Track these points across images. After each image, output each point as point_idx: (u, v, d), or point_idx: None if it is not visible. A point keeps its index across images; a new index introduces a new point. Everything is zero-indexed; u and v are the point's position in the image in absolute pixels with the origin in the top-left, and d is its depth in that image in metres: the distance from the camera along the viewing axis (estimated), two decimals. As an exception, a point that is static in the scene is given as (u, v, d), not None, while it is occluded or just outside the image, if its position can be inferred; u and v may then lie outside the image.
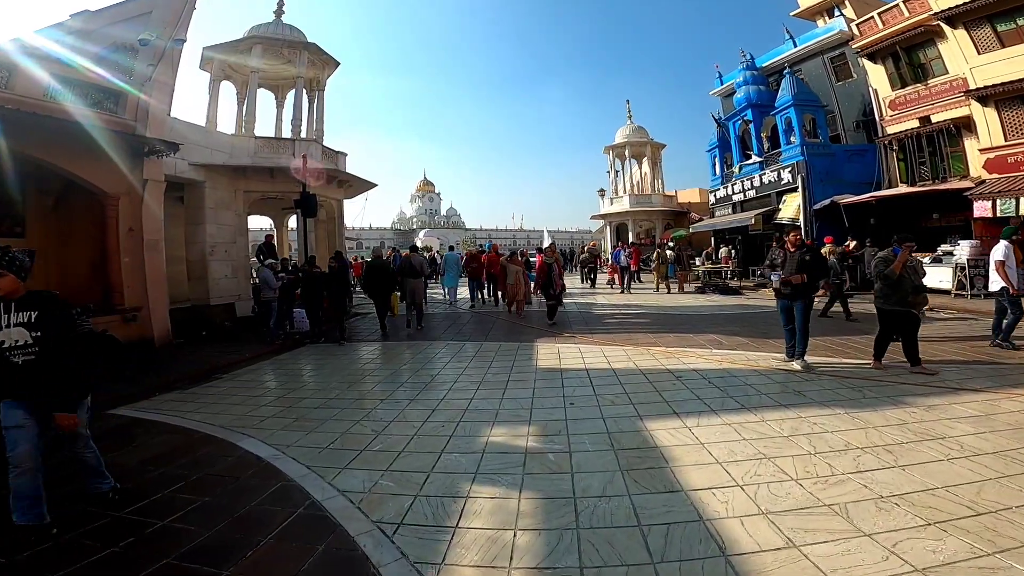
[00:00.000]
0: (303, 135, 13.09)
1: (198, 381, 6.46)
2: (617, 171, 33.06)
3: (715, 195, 22.52)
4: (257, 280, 9.67)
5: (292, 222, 16.66)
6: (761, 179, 18.80)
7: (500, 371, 6.08)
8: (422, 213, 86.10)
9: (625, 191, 32.03)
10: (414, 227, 75.52)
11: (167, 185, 10.49)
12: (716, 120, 23.73)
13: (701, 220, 24.70)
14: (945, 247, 13.00)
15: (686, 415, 4.27)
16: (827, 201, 15.66)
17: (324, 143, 13.75)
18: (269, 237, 12.49)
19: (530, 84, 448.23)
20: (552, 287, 9.64)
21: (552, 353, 7.00)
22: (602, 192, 46.96)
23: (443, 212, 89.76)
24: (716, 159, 23.19)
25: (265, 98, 15.40)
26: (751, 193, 19.42)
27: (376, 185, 15.28)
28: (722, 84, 23.71)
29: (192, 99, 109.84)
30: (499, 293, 12.76)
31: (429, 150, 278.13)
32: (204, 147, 10.54)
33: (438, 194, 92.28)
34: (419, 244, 21.84)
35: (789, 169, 17.09)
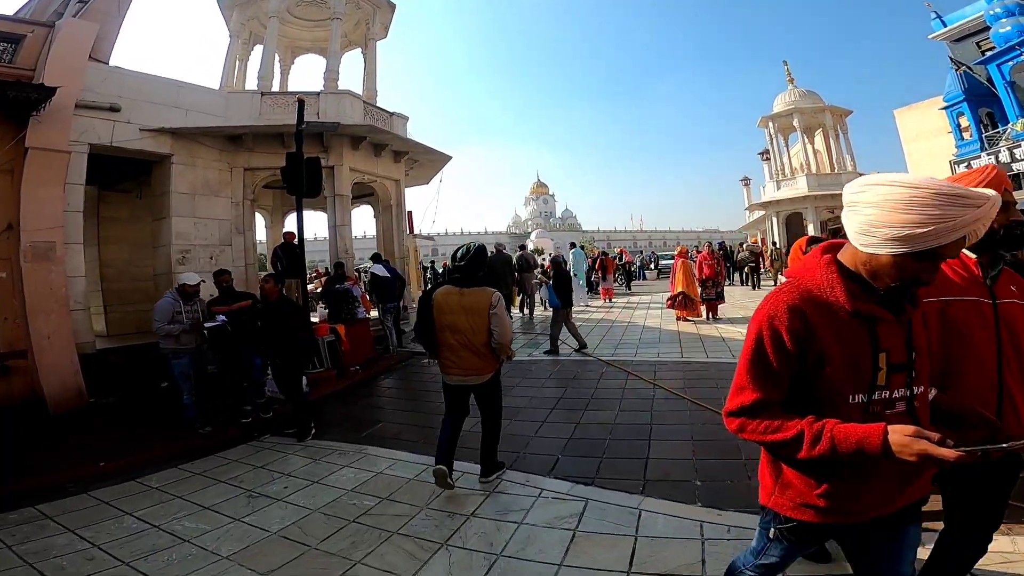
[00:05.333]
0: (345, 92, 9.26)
1: None
2: (771, 148, 25.40)
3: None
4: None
5: (362, 221, 12.78)
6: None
7: None
8: (536, 215, 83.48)
9: (794, 172, 24.27)
10: (528, 230, 72.96)
11: (129, 164, 7.30)
12: (958, 64, 16.06)
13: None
14: None
15: None
16: None
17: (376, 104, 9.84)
18: (289, 236, 8.58)
19: (649, 80, 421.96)
20: None
21: None
22: (746, 180, 38.32)
23: (558, 214, 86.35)
24: (964, 117, 15.62)
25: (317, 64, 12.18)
26: (1063, 155, 11.52)
27: (451, 158, 11.01)
28: (945, 26, 17.64)
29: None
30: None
31: (544, 152, 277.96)
32: (172, 106, 7.02)
33: (552, 196, 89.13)
34: (530, 246, 19.85)
35: None
